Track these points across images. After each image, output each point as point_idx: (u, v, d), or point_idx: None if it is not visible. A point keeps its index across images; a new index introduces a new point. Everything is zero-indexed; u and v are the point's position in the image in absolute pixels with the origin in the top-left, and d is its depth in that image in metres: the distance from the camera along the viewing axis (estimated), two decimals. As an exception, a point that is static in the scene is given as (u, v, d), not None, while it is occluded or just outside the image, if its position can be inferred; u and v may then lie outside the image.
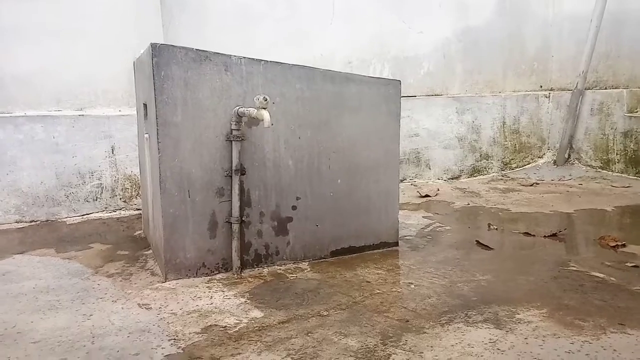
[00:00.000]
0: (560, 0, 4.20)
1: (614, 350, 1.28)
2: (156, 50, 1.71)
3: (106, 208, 3.02)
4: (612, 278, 1.81)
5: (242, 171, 1.87)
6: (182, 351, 1.32)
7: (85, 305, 1.64)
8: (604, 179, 3.78)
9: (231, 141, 1.83)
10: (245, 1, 3.70)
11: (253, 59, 1.85)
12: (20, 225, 2.78)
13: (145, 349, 1.34)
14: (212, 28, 3.58)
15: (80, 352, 1.33)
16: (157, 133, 1.75)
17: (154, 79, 1.72)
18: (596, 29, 3.91)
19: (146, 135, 2.07)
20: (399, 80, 2.17)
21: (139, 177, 2.84)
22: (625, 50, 3.94)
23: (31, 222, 2.83)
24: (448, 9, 4.03)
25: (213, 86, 1.80)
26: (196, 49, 1.76)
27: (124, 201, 3.06)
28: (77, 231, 2.64)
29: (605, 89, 4.04)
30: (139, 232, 2.58)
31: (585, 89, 4.07)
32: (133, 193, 3.07)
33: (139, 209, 3.00)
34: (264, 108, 1.64)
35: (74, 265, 2.06)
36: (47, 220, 2.86)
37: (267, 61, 1.88)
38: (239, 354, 1.30)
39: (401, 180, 3.89)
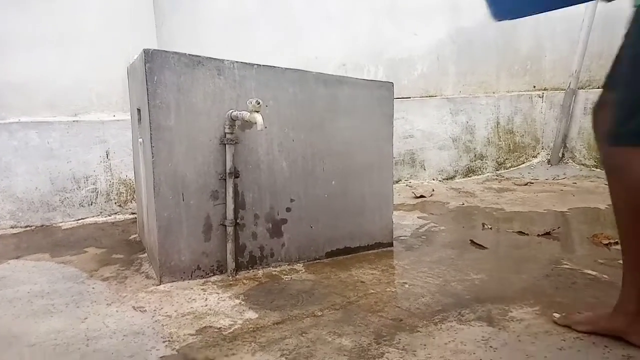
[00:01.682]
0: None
1: (605, 346, 1.29)
2: (149, 55, 1.72)
3: (101, 212, 3.02)
4: (604, 275, 1.83)
5: (236, 174, 1.88)
6: (176, 352, 1.33)
7: (80, 309, 1.64)
8: (598, 178, 3.80)
9: (225, 144, 1.84)
10: (239, 4, 3.71)
11: (246, 63, 1.86)
12: (15, 230, 2.78)
13: (139, 350, 1.35)
14: (205, 30, 3.60)
15: (75, 354, 1.33)
16: (151, 137, 1.76)
17: (147, 84, 1.73)
18: (588, 28, 3.94)
19: (140, 140, 2.07)
20: (392, 83, 2.18)
21: (134, 181, 2.85)
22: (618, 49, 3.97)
23: (26, 227, 2.83)
24: (441, 10, 4.05)
25: (206, 90, 1.81)
26: (189, 54, 1.77)
27: (119, 205, 3.06)
28: (72, 236, 2.64)
29: (598, 88, 4.06)
30: (134, 236, 2.59)
31: (578, 88, 4.10)
32: (128, 197, 3.08)
33: (134, 213, 3.00)
34: (257, 111, 1.66)
35: (68, 270, 2.06)
36: (42, 226, 2.86)
37: (260, 65, 1.89)
38: (234, 354, 1.31)
39: (396, 182, 3.91)
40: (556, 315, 1.46)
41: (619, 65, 1.10)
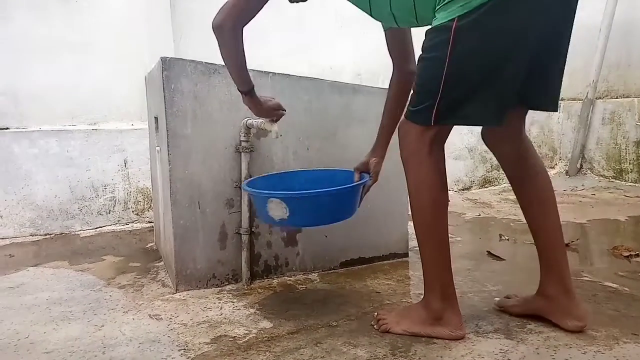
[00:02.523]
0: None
1: (627, 360, 1.26)
2: (166, 64, 1.74)
3: (119, 221, 3.05)
4: (625, 288, 1.79)
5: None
6: (191, 361, 1.33)
7: (97, 316, 1.65)
8: (617, 189, 3.74)
9: (240, 152, 1.85)
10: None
11: (261, 71, 1.87)
12: (34, 238, 2.82)
13: (155, 359, 1.35)
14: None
15: (92, 362, 1.34)
16: (168, 145, 1.77)
17: (164, 92, 1.75)
18: (605, 38, 3.90)
19: (157, 148, 2.10)
20: (407, 91, 2.18)
21: (151, 190, 2.87)
22: (636, 59, 3.92)
23: (45, 235, 2.87)
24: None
25: (222, 99, 1.83)
26: (205, 62, 1.79)
27: (137, 214, 3.09)
28: (90, 244, 2.67)
29: (617, 98, 4.02)
30: (151, 244, 2.61)
31: (596, 98, 4.05)
32: (145, 206, 3.10)
33: (151, 222, 3.03)
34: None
35: (86, 277, 2.08)
36: (61, 233, 2.89)
37: (275, 73, 1.90)
38: (248, 364, 1.31)
39: (412, 192, 3.87)
40: (496, 299, 1.66)
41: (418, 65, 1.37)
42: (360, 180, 1.68)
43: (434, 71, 1.30)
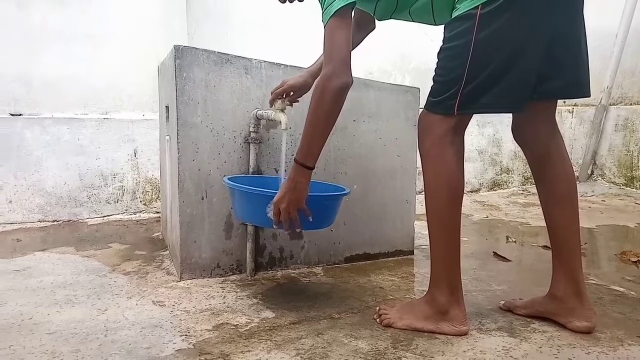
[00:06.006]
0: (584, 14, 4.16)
1: (631, 362, 1.25)
2: (179, 52, 1.75)
3: (127, 210, 3.07)
4: (632, 292, 1.77)
5: (259, 174, 1.89)
6: (192, 347, 1.33)
7: (100, 301, 1.66)
8: (628, 196, 3.70)
9: (249, 143, 1.85)
10: (268, 10, 3.75)
11: (273, 62, 1.88)
12: (42, 224, 2.84)
13: (156, 343, 1.35)
14: (235, 36, 3.65)
15: (93, 343, 1.35)
16: (177, 133, 1.78)
17: (175, 80, 1.75)
18: (622, 44, 3.86)
19: (167, 137, 2.10)
20: (418, 88, 2.17)
21: (160, 180, 2.89)
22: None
23: (53, 221, 2.89)
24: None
25: (233, 89, 1.83)
26: (218, 52, 1.80)
27: (144, 204, 3.11)
28: (97, 231, 2.69)
29: (630, 104, 3.98)
30: (157, 233, 2.62)
31: (609, 104, 4.01)
32: (153, 196, 3.12)
33: (158, 212, 3.04)
34: (282, 110, 1.67)
35: (92, 263, 2.10)
36: (69, 220, 2.92)
37: (287, 65, 1.90)
38: (249, 351, 1.30)
39: (420, 192, 3.86)
40: (502, 302, 1.63)
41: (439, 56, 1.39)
42: (345, 191, 1.62)
43: (457, 59, 1.31)
